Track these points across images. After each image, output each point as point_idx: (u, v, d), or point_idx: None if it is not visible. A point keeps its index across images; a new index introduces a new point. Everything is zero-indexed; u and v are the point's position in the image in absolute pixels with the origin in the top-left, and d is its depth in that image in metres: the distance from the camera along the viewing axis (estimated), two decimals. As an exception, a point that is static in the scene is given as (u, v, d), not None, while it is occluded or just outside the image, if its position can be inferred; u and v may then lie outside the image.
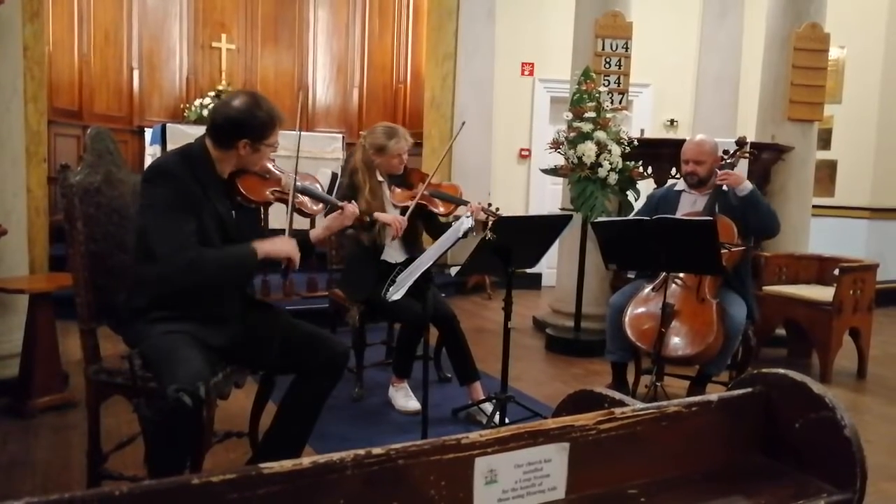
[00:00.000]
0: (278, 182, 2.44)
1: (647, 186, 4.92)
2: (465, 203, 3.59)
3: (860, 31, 6.62)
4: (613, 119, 4.63)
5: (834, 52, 5.97)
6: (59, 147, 6.58)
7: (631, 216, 4.13)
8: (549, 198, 7.03)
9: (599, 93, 4.58)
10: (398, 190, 3.56)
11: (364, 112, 8.69)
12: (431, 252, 2.66)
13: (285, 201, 2.43)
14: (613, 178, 4.49)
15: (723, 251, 3.14)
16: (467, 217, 2.75)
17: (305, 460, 1.08)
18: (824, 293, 4.37)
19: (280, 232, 2.49)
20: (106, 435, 2.44)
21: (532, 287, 7.01)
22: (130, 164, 6.67)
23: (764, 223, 3.56)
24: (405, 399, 3.53)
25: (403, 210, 3.46)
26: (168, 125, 6.55)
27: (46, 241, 5.33)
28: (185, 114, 7.88)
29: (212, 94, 7.91)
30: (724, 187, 3.53)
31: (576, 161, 4.51)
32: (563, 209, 5.23)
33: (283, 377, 2.58)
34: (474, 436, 1.22)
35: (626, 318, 3.45)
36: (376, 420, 3.44)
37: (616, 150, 4.47)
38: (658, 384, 3.29)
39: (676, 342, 3.31)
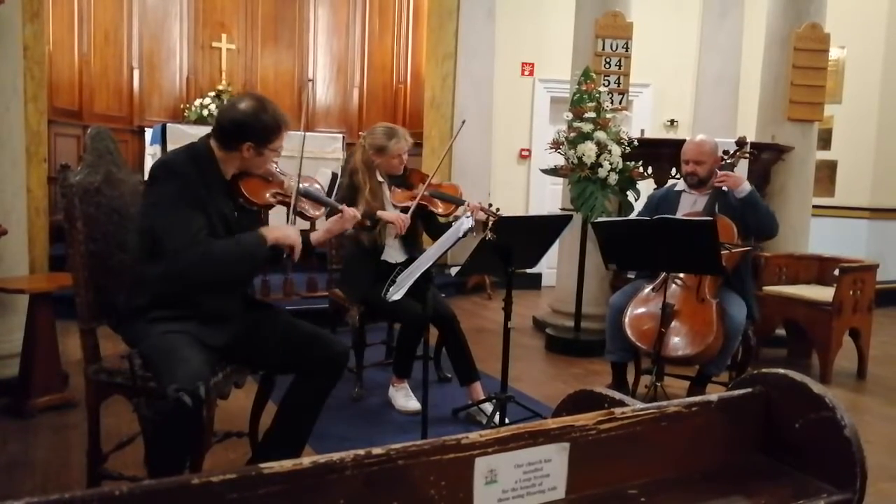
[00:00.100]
0: (281, 185, 2.44)
1: (647, 186, 4.92)
2: (464, 203, 3.60)
3: (860, 31, 6.62)
4: (613, 119, 4.63)
5: (834, 52, 5.97)
6: (59, 147, 6.57)
7: (631, 218, 4.13)
8: (549, 198, 7.03)
9: (599, 93, 4.58)
10: (398, 190, 3.56)
11: (364, 112, 8.69)
12: (431, 252, 2.66)
13: (287, 204, 2.43)
14: (613, 178, 4.49)
15: (723, 251, 3.14)
16: (467, 217, 2.75)
17: (305, 460, 1.08)
18: (824, 293, 4.37)
19: None
20: (106, 435, 2.44)
21: (532, 287, 7.01)
22: (130, 163, 6.67)
23: (762, 224, 3.56)
24: (405, 399, 3.53)
25: (404, 210, 3.46)
26: (168, 125, 6.55)
27: (46, 241, 5.33)
28: (185, 114, 7.88)
29: (212, 94, 7.92)
30: (724, 188, 3.54)
31: (576, 161, 4.51)
32: (563, 209, 5.23)
33: (283, 377, 2.58)
34: (474, 436, 1.22)
35: (626, 319, 3.45)
36: (376, 420, 3.44)
37: (616, 150, 4.47)
38: (658, 384, 3.29)
39: (676, 342, 3.31)
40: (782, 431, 1.50)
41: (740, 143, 3.68)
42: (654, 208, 3.71)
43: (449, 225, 3.30)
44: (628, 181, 4.64)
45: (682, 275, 3.44)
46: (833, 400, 1.42)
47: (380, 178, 3.56)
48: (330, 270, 4.14)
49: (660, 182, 4.80)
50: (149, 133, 7.04)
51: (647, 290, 3.52)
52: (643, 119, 7.39)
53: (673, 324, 3.31)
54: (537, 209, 7.18)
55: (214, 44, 8.21)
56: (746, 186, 3.52)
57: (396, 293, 2.64)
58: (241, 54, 8.40)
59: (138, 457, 2.52)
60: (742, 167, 3.91)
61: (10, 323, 3.59)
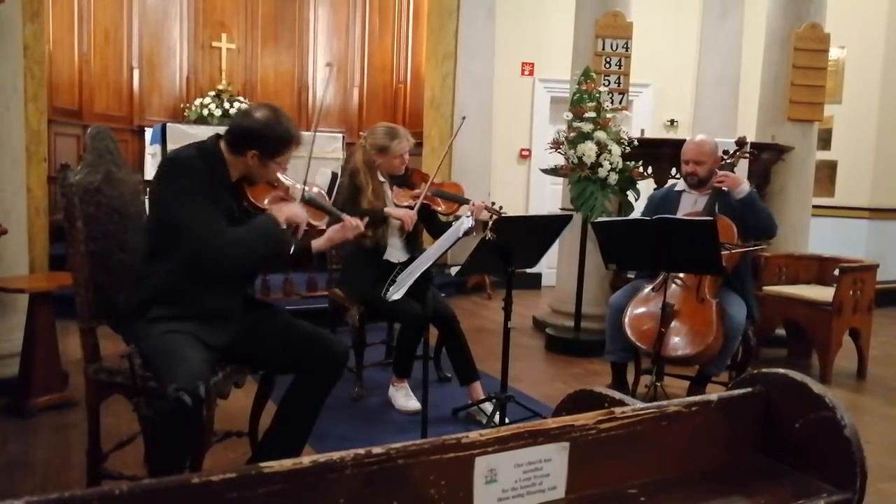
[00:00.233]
0: (286, 191, 2.44)
1: (647, 186, 4.92)
2: (468, 202, 3.60)
3: (860, 31, 6.62)
4: (613, 119, 4.63)
5: (834, 52, 5.97)
6: (59, 146, 6.57)
7: (631, 218, 4.13)
8: (549, 198, 7.03)
9: (599, 93, 4.58)
10: (400, 190, 3.56)
11: (364, 112, 8.69)
12: (431, 252, 2.66)
13: None
14: (613, 178, 4.49)
15: (733, 251, 3.14)
16: (467, 217, 2.75)
17: (305, 459, 1.08)
18: (824, 293, 4.37)
19: None
20: (106, 434, 2.44)
21: (532, 287, 7.01)
22: (130, 163, 6.66)
23: (761, 225, 3.56)
24: (405, 399, 3.53)
25: (408, 209, 3.46)
26: (168, 125, 6.55)
27: (46, 241, 5.33)
28: (185, 113, 7.88)
29: (212, 93, 7.92)
30: (724, 188, 3.54)
31: (576, 161, 4.51)
32: (563, 209, 5.23)
33: (282, 377, 2.58)
34: (474, 435, 1.22)
35: (626, 318, 3.45)
36: (376, 420, 3.44)
37: (616, 150, 4.47)
38: (658, 384, 3.29)
39: (676, 342, 3.31)
40: (782, 431, 1.50)
41: (740, 142, 3.68)
42: (655, 209, 3.70)
43: (450, 224, 3.30)
44: (628, 181, 4.64)
45: (681, 275, 3.44)
46: (833, 400, 1.42)
47: (381, 179, 3.56)
48: (330, 270, 4.14)
49: (660, 182, 4.80)
50: (149, 133, 7.04)
51: (647, 289, 3.52)
52: (643, 119, 7.39)
53: (673, 324, 3.31)
54: (537, 209, 7.18)
55: (214, 43, 8.20)
56: (745, 187, 3.52)
57: (396, 293, 2.64)
58: (241, 54, 8.40)
59: (138, 456, 2.52)
60: (742, 167, 3.91)
61: (10, 322, 3.59)
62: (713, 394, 1.52)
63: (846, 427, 1.38)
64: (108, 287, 2.39)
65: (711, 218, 3.14)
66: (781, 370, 1.53)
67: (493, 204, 3.51)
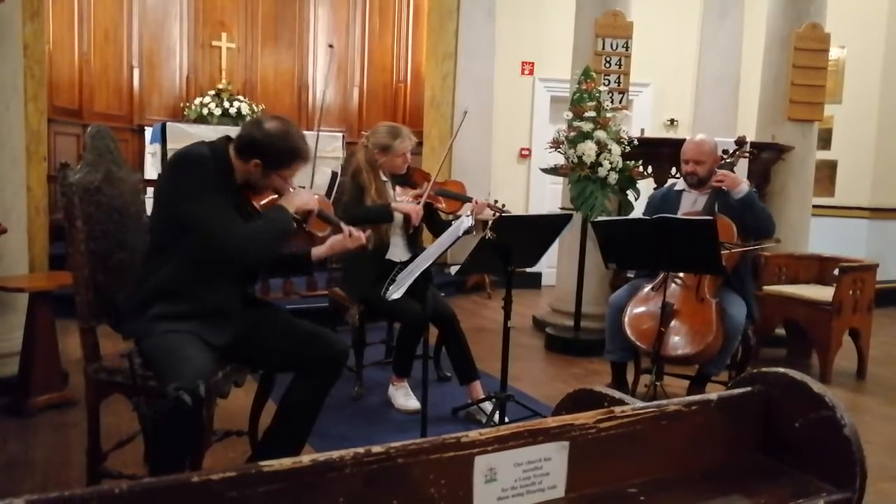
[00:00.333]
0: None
1: (647, 186, 4.92)
2: (471, 200, 3.60)
3: (860, 31, 6.62)
4: (613, 118, 4.63)
5: (834, 52, 5.97)
6: (59, 146, 6.57)
7: (631, 217, 4.12)
8: (549, 197, 7.03)
9: (599, 92, 4.58)
10: (402, 189, 3.56)
11: (364, 111, 8.69)
12: (431, 251, 2.66)
13: (296, 220, 2.43)
14: (613, 177, 4.49)
15: (723, 251, 3.14)
16: (467, 216, 2.75)
17: (305, 458, 1.08)
18: (824, 293, 4.37)
19: None
20: (106, 433, 2.44)
21: (532, 286, 7.01)
22: (130, 162, 6.65)
23: (760, 225, 3.55)
24: (405, 398, 3.53)
25: None
26: (168, 124, 6.56)
27: (46, 240, 5.33)
28: (185, 112, 7.88)
29: (212, 92, 7.92)
30: (724, 187, 3.53)
31: (576, 160, 4.51)
32: (563, 209, 5.22)
33: (282, 375, 2.58)
34: (474, 434, 1.22)
35: (626, 318, 3.45)
36: (376, 419, 3.44)
37: (616, 149, 4.46)
38: (658, 384, 3.29)
39: (676, 341, 3.31)
40: (782, 431, 1.50)
41: (740, 142, 3.68)
42: (656, 209, 3.69)
43: (451, 223, 3.30)
44: (628, 180, 4.64)
45: (681, 274, 3.44)
46: (833, 399, 1.42)
47: (384, 178, 3.56)
48: (330, 269, 4.15)
49: (660, 181, 4.80)
50: (149, 132, 7.05)
51: (647, 289, 3.52)
52: (643, 118, 7.38)
53: (672, 323, 3.31)
54: (537, 208, 7.18)
55: (214, 43, 8.20)
56: (744, 187, 3.52)
57: (396, 292, 2.64)
58: (241, 53, 8.41)
59: (138, 455, 2.53)
60: (742, 167, 3.90)
61: (10, 322, 3.58)
62: (713, 393, 1.52)
63: (846, 427, 1.38)
64: (108, 286, 2.39)
65: (711, 217, 3.14)
66: (781, 369, 1.53)
67: (496, 202, 3.51)
